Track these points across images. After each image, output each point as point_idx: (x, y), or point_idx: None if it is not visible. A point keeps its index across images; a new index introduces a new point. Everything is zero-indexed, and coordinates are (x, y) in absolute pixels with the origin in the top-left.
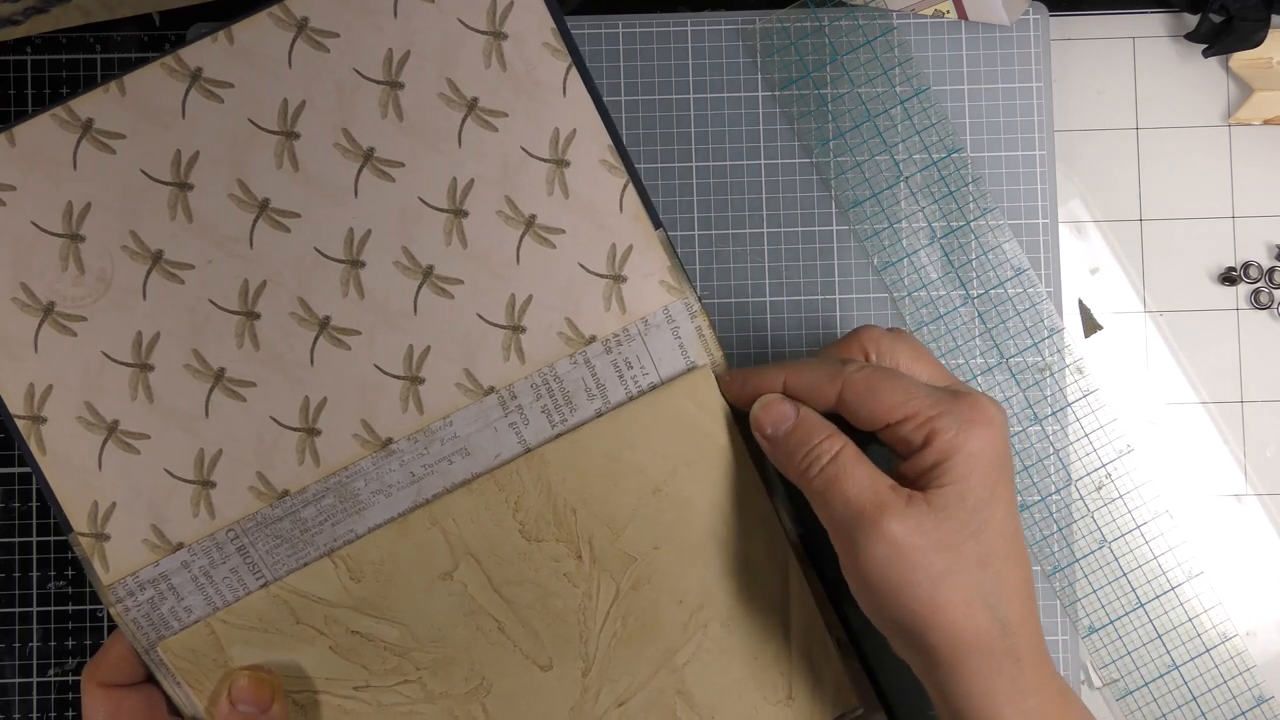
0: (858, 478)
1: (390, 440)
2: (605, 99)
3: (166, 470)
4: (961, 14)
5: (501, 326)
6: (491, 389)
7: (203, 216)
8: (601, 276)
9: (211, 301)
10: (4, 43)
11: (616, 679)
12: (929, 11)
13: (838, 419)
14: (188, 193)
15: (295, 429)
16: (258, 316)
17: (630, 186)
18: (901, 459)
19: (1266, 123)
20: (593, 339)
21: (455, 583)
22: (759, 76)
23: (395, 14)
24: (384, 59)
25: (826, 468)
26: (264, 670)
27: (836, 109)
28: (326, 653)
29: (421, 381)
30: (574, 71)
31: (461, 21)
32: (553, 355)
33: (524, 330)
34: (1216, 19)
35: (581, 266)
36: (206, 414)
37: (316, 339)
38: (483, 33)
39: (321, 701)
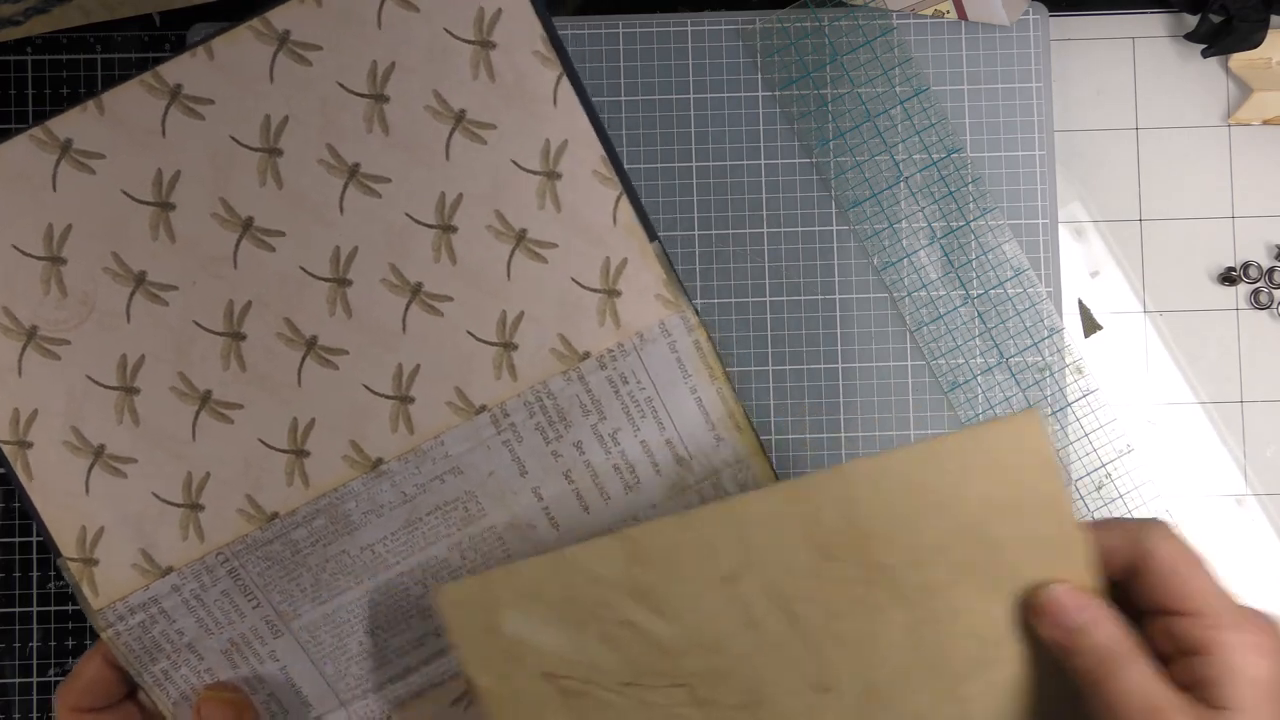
0: (1151, 693)
1: (380, 461)
2: (604, 100)
3: (154, 494)
4: (961, 14)
5: (492, 344)
6: (483, 407)
7: (186, 237)
8: (595, 291)
9: (196, 323)
10: (4, 43)
11: (898, 708)
12: (929, 11)
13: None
14: (170, 213)
15: (284, 451)
16: (244, 337)
17: (624, 198)
18: (1161, 657)
19: (1266, 123)
20: (586, 355)
21: (738, 589)
22: (759, 76)
23: (380, 25)
24: (368, 72)
25: (1122, 682)
26: (229, 689)
27: (836, 109)
28: (594, 641)
29: (411, 401)
30: (565, 80)
31: (448, 31)
32: (545, 372)
33: (516, 347)
34: (1216, 19)
35: (574, 281)
36: (194, 437)
37: (304, 359)
38: (470, 42)
39: (587, 691)
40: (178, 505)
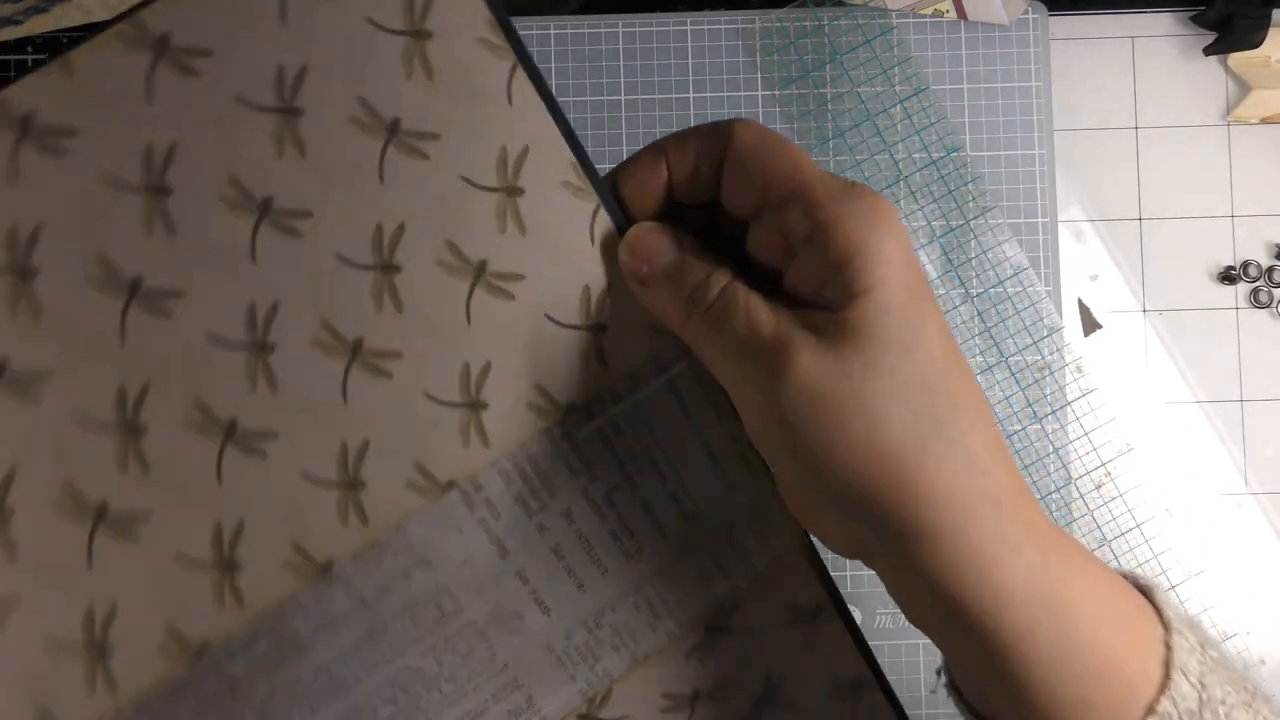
0: (754, 308)
1: (330, 563)
2: (604, 99)
3: (48, 636)
4: (961, 14)
5: (456, 405)
6: (451, 484)
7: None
8: (576, 328)
9: (76, 422)
10: (4, 43)
11: None
12: (929, 11)
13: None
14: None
15: (208, 566)
16: (144, 430)
17: (601, 210)
18: (782, 268)
19: (1264, 121)
20: (571, 407)
21: None
22: (759, 76)
23: (284, 19)
24: (274, 79)
25: (715, 303)
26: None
27: (836, 109)
28: None
29: (362, 486)
30: (520, 72)
31: (371, 21)
32: (523, 432)
33: (485, 406)
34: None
35: (549, 318)
36: (90, 564)
37: (222, 450)
38: (400, 33)
39: None
40: (77, 654)
